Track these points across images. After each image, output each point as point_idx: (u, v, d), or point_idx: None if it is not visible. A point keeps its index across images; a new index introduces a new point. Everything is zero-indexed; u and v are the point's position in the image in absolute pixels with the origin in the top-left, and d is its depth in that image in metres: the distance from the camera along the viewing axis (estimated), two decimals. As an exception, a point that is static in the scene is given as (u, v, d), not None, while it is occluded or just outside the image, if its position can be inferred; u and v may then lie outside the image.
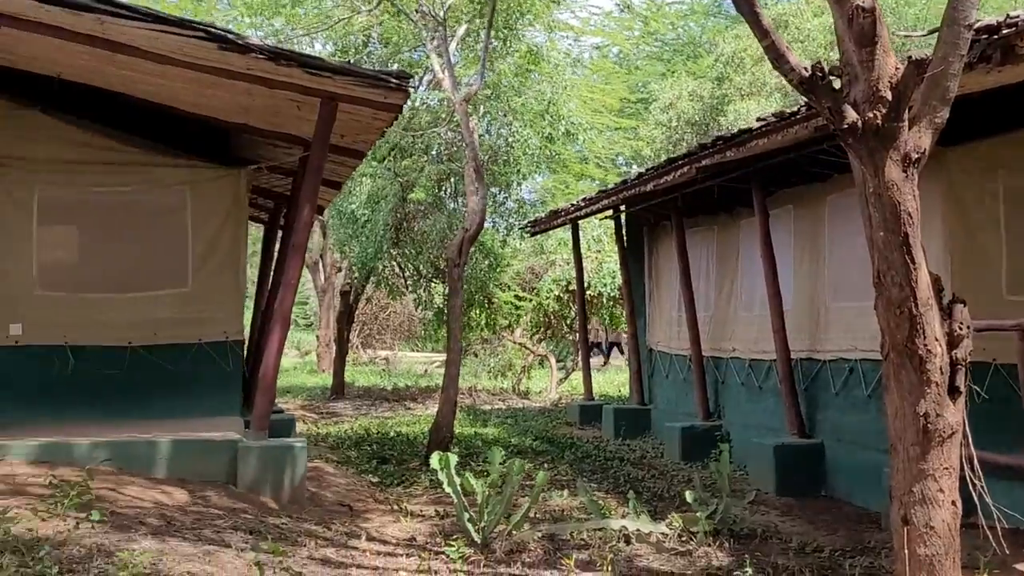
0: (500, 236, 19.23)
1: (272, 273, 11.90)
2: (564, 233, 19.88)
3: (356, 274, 20.05)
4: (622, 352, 28.67)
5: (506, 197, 19.45)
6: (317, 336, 28.72)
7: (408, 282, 20.12)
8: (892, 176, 5.52)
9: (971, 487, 6.06)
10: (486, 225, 18.82)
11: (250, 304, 12.49)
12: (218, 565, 5.62)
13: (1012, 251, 7.85)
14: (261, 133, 10.36)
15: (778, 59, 5.17)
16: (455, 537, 6.97)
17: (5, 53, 8.98)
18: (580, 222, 16.49)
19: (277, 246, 12.13)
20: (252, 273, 14.60)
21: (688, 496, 7.80)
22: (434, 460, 7.11)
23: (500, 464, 7.36)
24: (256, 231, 17.25)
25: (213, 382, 9.85)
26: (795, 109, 8.19)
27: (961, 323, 5.73)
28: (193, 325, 9.92)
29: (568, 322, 21.59)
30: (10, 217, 9.64)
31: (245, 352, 10.76)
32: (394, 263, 19.41)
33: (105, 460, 7.73)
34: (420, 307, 21.34)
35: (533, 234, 18.52)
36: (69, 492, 6.04)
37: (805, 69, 5.18)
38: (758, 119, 9.01)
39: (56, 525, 5.64)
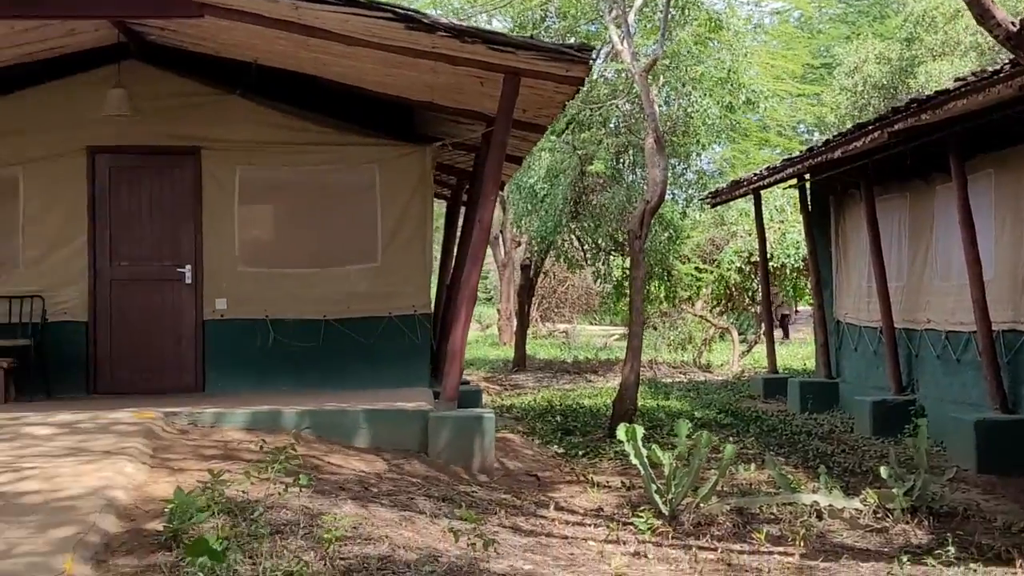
0: (679, 208, 19.02)
1: (455, 248, 12.20)
2: (745, 204, 19.48)
3: (535, 248, 20.25)
4: (784, 327, 27.93)
5: (685, 168, 19.21)
6: (498, 310, 29.18)
7: (587, 255, 20.17)
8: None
9: None
10: (666, 197, 18.70)
11: (434, 280, 12.82)
12: (415, 530, 5.84)
13: None
14: (445, 110, 10.60)
15: (983, 14, 4.94)
16: (642, 508, 7.01)
17: (208, 41, 9.50)
18: (762, 192, 16.12)
19: (460, 222, 12.40)
20: (436, 249, 14.97)
21: (883, 471, 7.57)
22: (620, 431, 7.16)
23: (687, 437, 7.35)
24: (439, 207, 17.68)
25: (403, 354, 10.21)
26: (997, 67, 7.77)
27: None
28: (383, 299, 10.29)
29: (750, 294, 21.20)
30: (214, 197, 10.22)
31: (433, 326, 11.08)
32: (573, 236, 19.49)
33: (306, 428, 8.14)
34: (598, 280, 21.36)
35: (713, 205, 18.24)
36: (278, 457, 6.39)
37: (1013, 23, 4.93)
38: (956, 79, 8.59)
39: (266, 488, 5.98)
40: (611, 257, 19.81)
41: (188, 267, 10.15)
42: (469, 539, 5.58)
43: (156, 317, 10.21)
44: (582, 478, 8.48)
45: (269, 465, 6.30)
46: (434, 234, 16.94)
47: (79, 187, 10.10)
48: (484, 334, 30.84)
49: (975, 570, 5.57)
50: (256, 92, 10.18)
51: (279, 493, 5.92)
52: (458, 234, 12.19)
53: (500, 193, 19.14)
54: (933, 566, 5.68)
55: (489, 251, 28.60)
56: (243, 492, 5.83)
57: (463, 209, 12.62)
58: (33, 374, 9.71)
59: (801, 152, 13.29)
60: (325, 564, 4.84)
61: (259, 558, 4.75)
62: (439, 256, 13.50)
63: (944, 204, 10.69)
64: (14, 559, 4.53)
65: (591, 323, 33.29)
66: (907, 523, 6.74)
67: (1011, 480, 8.48)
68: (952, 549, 5.89)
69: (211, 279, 10.19)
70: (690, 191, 19.00)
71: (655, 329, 23.65)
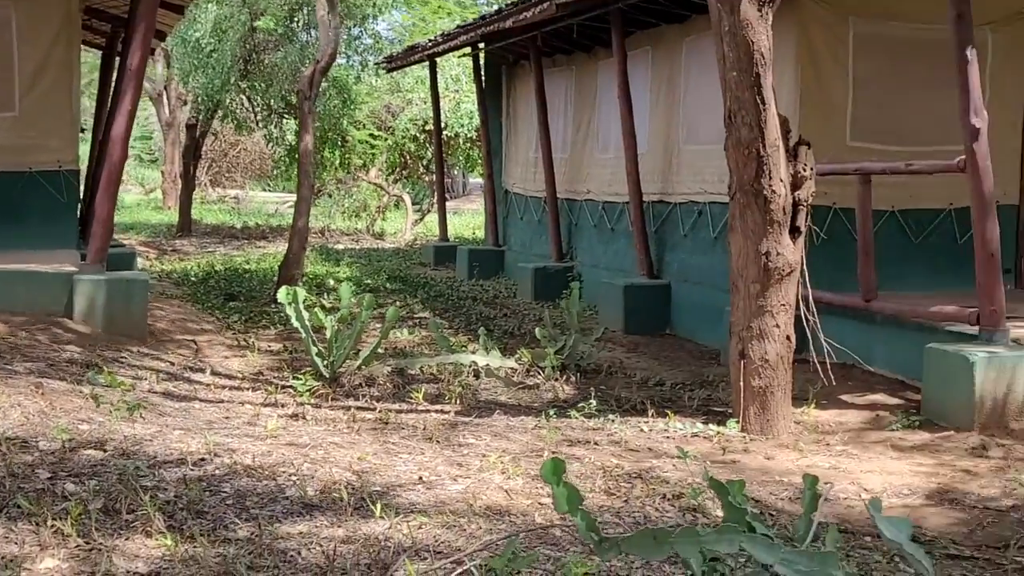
0: (355, 72, 18.63)
1: (110, 102, 11.24)
2: (422, 71, 19.40)
3: (202, 107, 19.18)
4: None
5: (361, 31, 18.78)
6: (162, 172, 27.61)
7: (258, 117, 19.39)
8: (747, 15, 5.50)
9: (805, 324, 6.33)
10: (340, 61, 18.22)
11: (88, 138, 11.81)
12: (51, 399, 5.41)
13: (857, 99, 8.02)
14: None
15: None
16: (303, 372, 6.92)
17: None
18: (438, 60, 16.07)
19: (115, 74, 11.42)
20: (90, 104, 13.77)
21: (538, 333, 7.93)
22: (281, 294, 6.97)
23: (351, 300, 7.27)
24: (93, 58, 16.21)
25: (47, 213, 9.34)
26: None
27: (805, 165, 5.86)
28: (23, 152, 9.32)
29: (425, 163, 21.33)
30: None
31: (82, 185, 10.22)
32: (242, 96, 18.63)
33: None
34: (271, 144, 20.66)
35: (389, 70, 17.99)
36: None
37: None
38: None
39: None
40: (284, 120, 19.18)
41: None
42: (112, 406, 5.24)
43: None
44: (243, 343, 8.24)
45: None
46: (87, 88, 15.60)
47: None
48: (147, 198, 29.20)
49: (613, 420, 5.96)
50: None
51: None
52: (112, 87, 11.21)
53: (162, 46, 17.89)
54: (576, 417, 6.02)
55: (153, 110, 26.90)
56: None
57: (118, 60, 11.60)
58: None
59: (475, 20, 13.30)
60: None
61: None
62: (94, 112, 12.40)
63: (606, 78, 11.11)
64: None
65: (265, 189, 32.38)
66: (556, 380, 7.10)
67: (653, 340, 9.17)
68: (594, 402, 6.27)
69: None
70: (366, 55, 18.62)
71: (330, 197, 23.37)
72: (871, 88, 8.03)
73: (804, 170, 5.86)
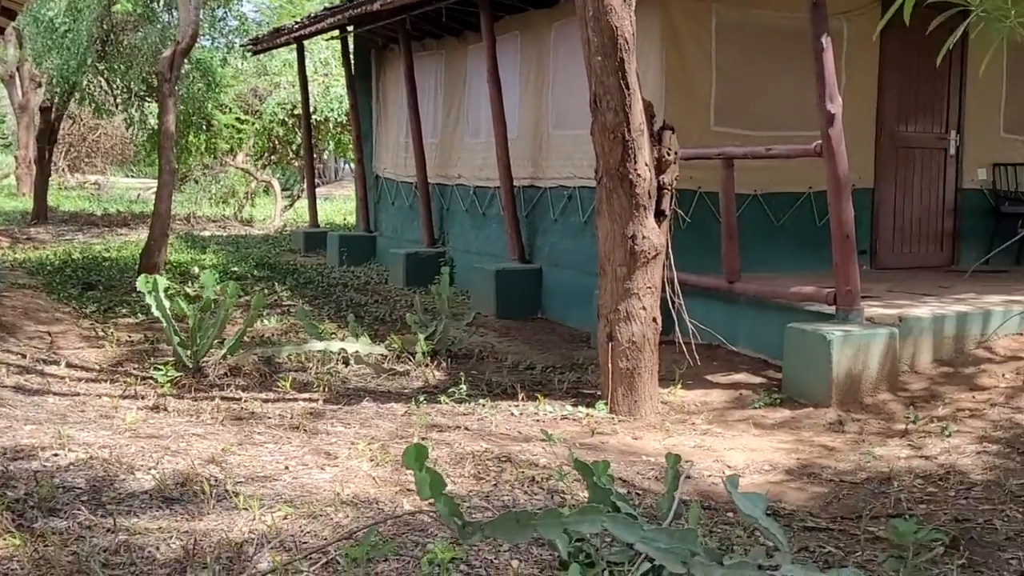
0: (220, 55, 18.11)
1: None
2: (289, 54, 19.02)
3: (57, 89, 18.35)
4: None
5: (226, 13, 18.26)
6: (15, 157, 26.36)
7: (117, 100, 18.68)
8: (611, 0, 5.53)
9: (671, 306, 6.44)
10: (204, 43, 17.71)
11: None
12: None
13: (721, 85, 8.19)
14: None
15: None
16: (165, 362, 6.70)
17: None
18: (306, 43, 15.76)
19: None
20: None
21: (408, 319, 7.86)
22: (141, 282, 6.72)
23: (215, 289, 7.07)
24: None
25: None
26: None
27: (669, 149, 5.95)
28: None
29: (294, 148, 20.92)
30: None
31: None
32: (100, 79, 17.91)
33: None
34: (131, 128, 19.93)
35: (255, 53, 17.54)
36: None
37: None
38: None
39: None
40: (145, 103, 18.52)
41: None
42: (-44, 402, 4.98)
43: None
44: (100, 334, 7.94)
45: None
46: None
47: None
48: (1, 184, 27.89)
49: (483, 404, 5.95)
50: None
51: None
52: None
53: (13, 24, 17.04)
54: (446, 403, 5.99)
55: (6, 92, 25.63)
56: None
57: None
58: None
59: (343, 2, 13.08)
60: None
61: None
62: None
63: (475, 63, 11.08)
64: None
65: (128, 175, 31.31)
66: (427, 366, 7.05)
67: (525, 324, 9.20)
68: (465, 387, 6.26)
69: None
70: (231, 37, 18.12)
71: (196, 183, 22.73)
72: (734, 74, 8.22)
73: (668, 154, 5.95)
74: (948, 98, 9.18)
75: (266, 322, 8.63)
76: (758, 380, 6.59)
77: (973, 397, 5.83)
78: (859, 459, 5.02)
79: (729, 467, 4.92)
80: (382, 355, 7.19)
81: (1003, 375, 6.05)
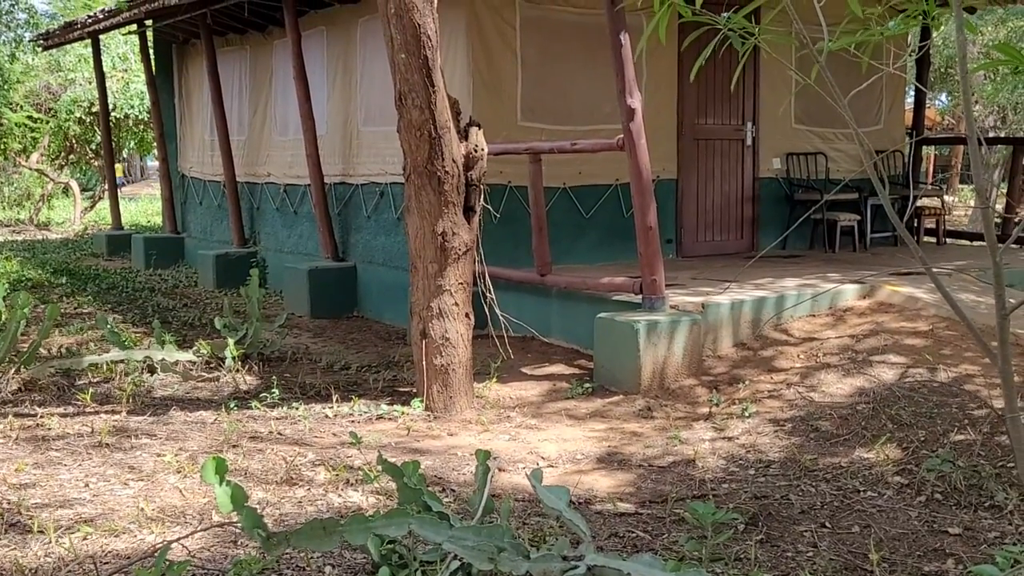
0: (8, 50, 17.09)
1: None
2: (84, 49, 18.12)
3: None
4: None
5: (13, 5, 17.25)
6: None
7: None
8: (413, -4, 5.51)
9: (484, 300, 6.49)
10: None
11: None
12: None
13: (527, 80, 8.31)
14: None
15: None
16: (-50, 380, 6.27)
17: None
18: (102, 37, 15.04)
19: None
20: None
21: (217, 323, 7.64)
22: (-80, 296, 6.27)
23: (4, 299, 6.67)
24: None
25: None
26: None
27: (477, 145, 5.99)
28: None
29: (94, 147, 19.97)
30: None
31: None
32: None
33: None
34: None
35: (46, 48, 16.62)
36: None
37: None
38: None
39: None
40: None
41: None
42: None
43: None
44: None
45: None
46: None
47: None
48: None
49: (296, 407, 5.84)
50: None
51: None
52: None
53: None
54: (258, 408, 5.85)
55: None
56: None
57: None
58: None
59: (140, -5, 12.55)
60: None
61: None
62: None
63: (281, 59, 10.85)
64: None
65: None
66: (238, 371, 6.86)
67: (340, 323, 9.09)
68: (277, 391, 6.12)
69: None
70: (20, 31, 17.12)
71: (-14, 185, 21.42)
72: (540, 70, 8.35)
73: (476, 151, 5.98)
74: (743, 91, 9.60)
75: (67, 332, 8.21)
76: (572, 371, 6.73)
77: (771, 378, 6.12)
78: (666, 443, 5.19)
79: (543, 459, 4.99)
80: (190, 362, 6.95)
81: (798, 356, 6.38)
